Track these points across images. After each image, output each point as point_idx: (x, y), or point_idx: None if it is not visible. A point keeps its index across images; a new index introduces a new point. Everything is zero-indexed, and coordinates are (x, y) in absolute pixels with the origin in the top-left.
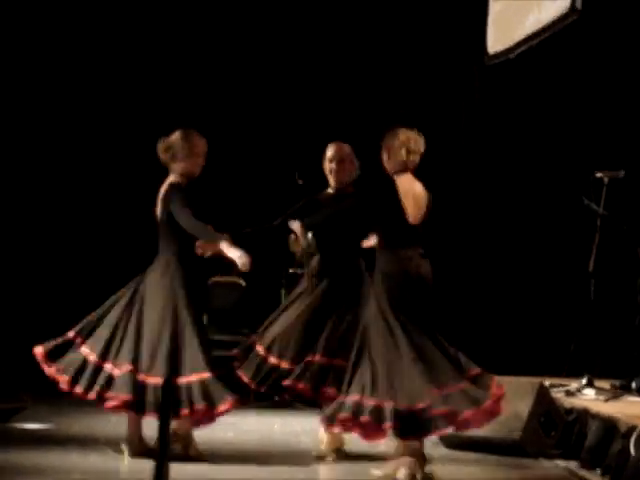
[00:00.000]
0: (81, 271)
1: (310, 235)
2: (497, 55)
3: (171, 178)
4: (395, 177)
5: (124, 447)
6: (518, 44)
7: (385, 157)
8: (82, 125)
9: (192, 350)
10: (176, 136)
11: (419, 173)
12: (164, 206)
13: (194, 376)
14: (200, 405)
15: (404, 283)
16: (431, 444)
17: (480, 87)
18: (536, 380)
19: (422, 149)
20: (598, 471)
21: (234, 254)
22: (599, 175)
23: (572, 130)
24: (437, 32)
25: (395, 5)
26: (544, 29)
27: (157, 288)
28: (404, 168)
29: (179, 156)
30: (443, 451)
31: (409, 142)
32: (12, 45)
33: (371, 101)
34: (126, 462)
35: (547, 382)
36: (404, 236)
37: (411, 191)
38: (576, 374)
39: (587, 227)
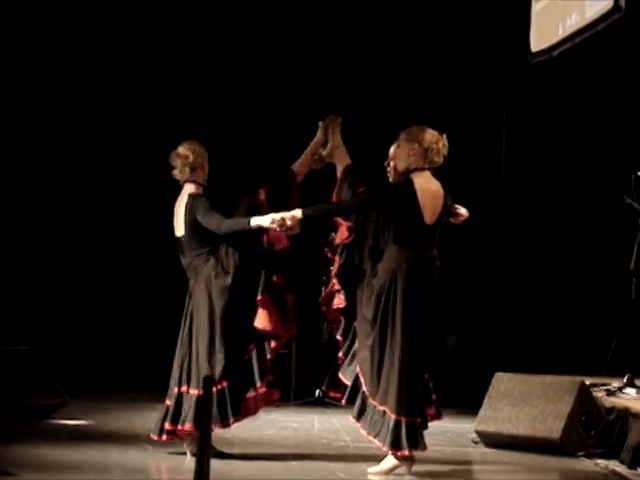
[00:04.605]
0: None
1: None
2: (540, 53)
3: (189, 190)
4: (412, 175)
5: (185, 446)
6: (561, 42)
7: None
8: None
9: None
10: (191, 149)
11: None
12: (189, 217)
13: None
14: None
15: (403, 286)
16: (471, 443)
17: (523, 85)
18: (577, 379)
19: (446, 153)
20: (639, 471)
21: (265, 222)
22: None
23: (614, 128)
24: (480, 30)
25: (439, 3)
26: (587, 27)
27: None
28: (425, 167)
29: (196, 168)
30: (483, 450)
31: (438, 143)
32: (22, 52)
33: (413, 98)
34: (188, 459)
35: (588, 381)
36: (417, 237)
37: (428, 190)
38: (617, 373)
39: (628, 226)
